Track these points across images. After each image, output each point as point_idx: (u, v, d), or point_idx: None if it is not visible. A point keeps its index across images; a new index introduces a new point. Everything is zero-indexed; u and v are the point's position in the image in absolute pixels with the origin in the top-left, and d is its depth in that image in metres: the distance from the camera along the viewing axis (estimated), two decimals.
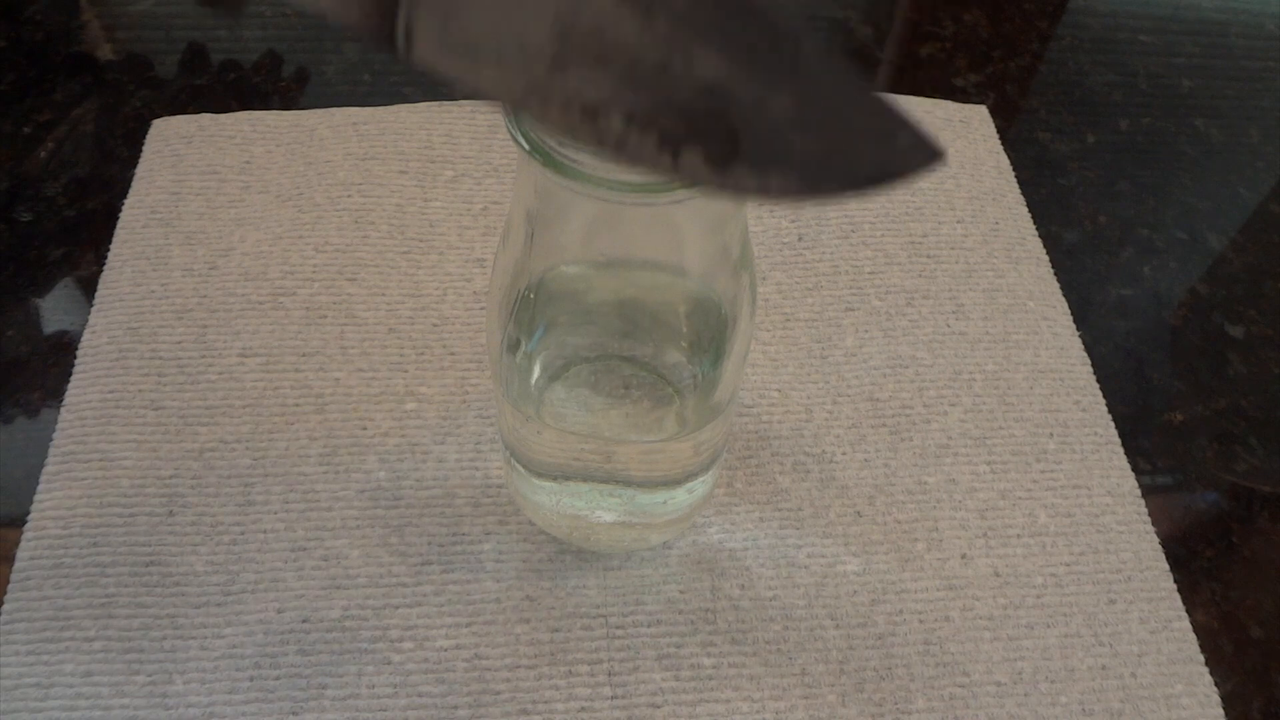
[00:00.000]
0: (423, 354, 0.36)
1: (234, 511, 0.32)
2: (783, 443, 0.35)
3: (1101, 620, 0.31)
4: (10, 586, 0.30)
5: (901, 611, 0.31)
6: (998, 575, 0.32)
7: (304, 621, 0.30)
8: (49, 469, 0.33)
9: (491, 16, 0.14)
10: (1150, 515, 0.34)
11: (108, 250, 0.38)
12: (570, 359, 0.29)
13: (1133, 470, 0.35)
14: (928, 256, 0.40)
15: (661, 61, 0.14)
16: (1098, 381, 0.37)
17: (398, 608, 0.30)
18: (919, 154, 0.14)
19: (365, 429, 0.34)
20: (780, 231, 0.41)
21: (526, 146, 0.20)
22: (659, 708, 0.29)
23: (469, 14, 0.14)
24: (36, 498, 0.32)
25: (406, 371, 0.36)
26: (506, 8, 0.13)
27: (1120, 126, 0.48)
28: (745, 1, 0.13)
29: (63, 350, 0.36)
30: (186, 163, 0.41)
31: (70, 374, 0.35)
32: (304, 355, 0.36)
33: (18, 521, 0.32)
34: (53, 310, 0.38)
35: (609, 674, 0.29)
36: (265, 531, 0.31)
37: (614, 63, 0.14)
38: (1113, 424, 0.36)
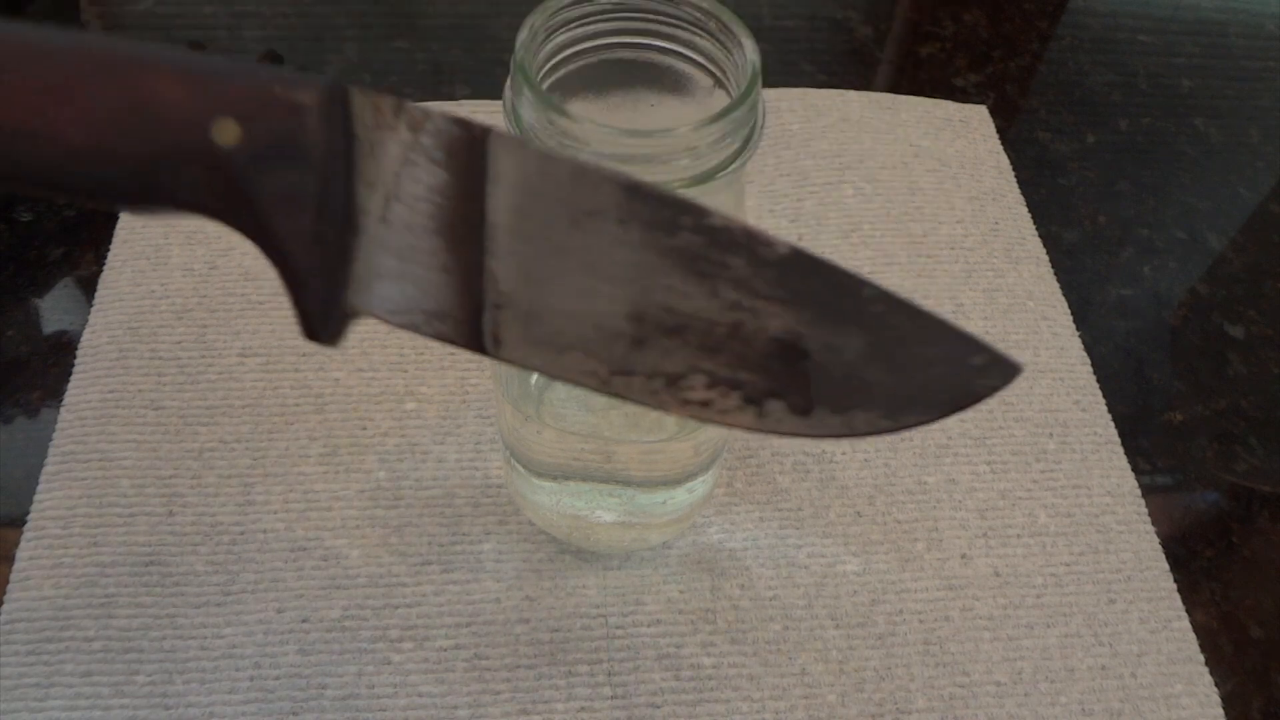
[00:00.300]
0: (422, 354, 0.36)
1: (234, 511, 0.32)
2: (782, 442, 0.35)
3: (1101, 620, 0.31)
4: (10, 586, 0.30)
5: (901, 611, 0.31)
6: (998, 575, 0.32)
7: (304, 621, 0.30)
8: (49, 469, 0.33)
9: (569, 312, 0.15)
10: (1150, 515, 0.34)
11: (108, 250, 0.38)
12: None
13: (1133, 470, 0.35)
14: (928, 256, 0.40)
15: (733, 324, 0.15)
16: (1097, 381, 0.37)
17: (397, 608, 0.30)
18: (997, 372, 0.15)
19: (365, 429, 0.34)
20: (780, 231, 0.41)
21: None
22: (659, 708, 0.29)
23: (548, 312, 0.15)
24: (36, 498, 0.32)
25: (406, 371, 0.36)
26: (582, 302, 0.15)
27: (1120, 126, 0.48)
28: (801, 257, 0.15)
29: (63, 350, 0.36)
30: None
31: (70, 374, 0.35)
32: (304, 355, 0.36)
33: (18, 521, 0.32)
34: (53, 310, 0.38)
35: (609, 674, 0.29)
36: (265, 531, 0.31)
37: (689, 333, 0.15)
38: (1112, 424, 0.36)
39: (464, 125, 0.15)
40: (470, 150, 0.15)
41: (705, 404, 0.15)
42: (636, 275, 0.15)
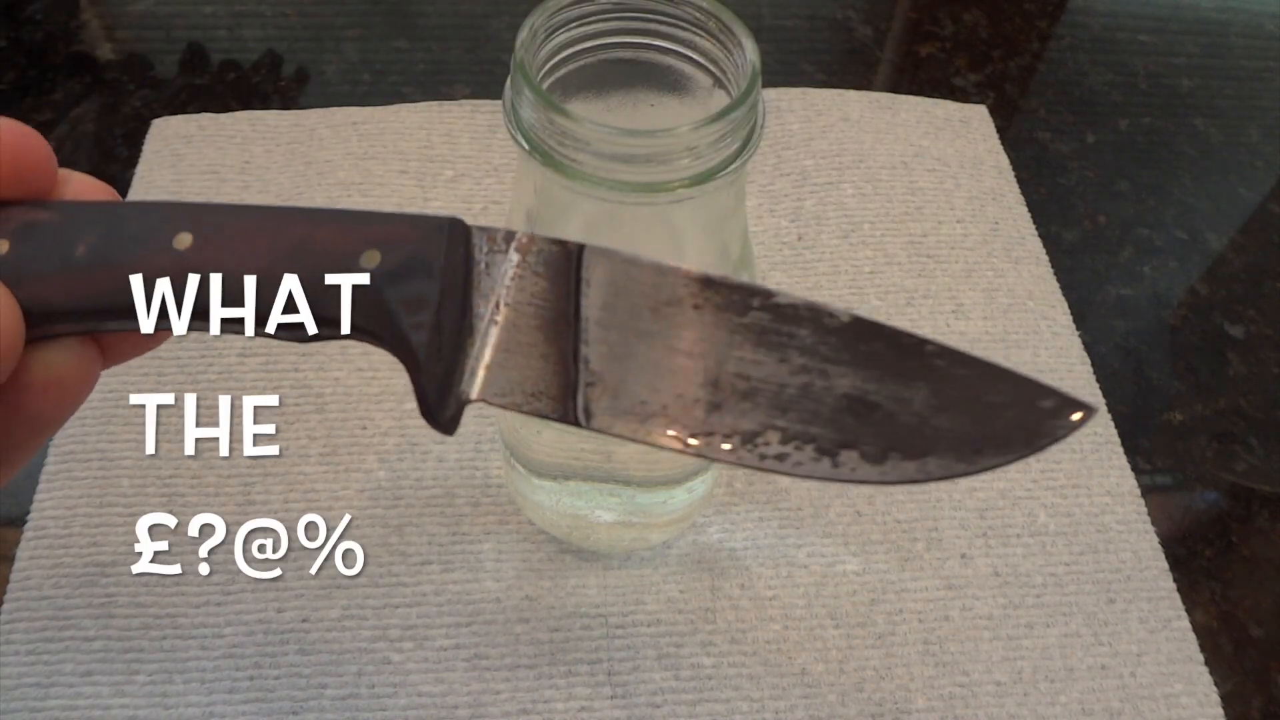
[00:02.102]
0: None
1: (234, 511, 0.32)
2: None
3: (1101, 620, 0.31)
4: (10, 586, 0.30)
5: (901, 611, 0.31)
6: (997, 575, 0.32)
7: (304, 621, 0.30)
8: (49, 469, 0.33)
9: (650, 385, 0.17)
10: (1150, 515, 0.34)
11: None
12: None
13: (1132, 470, 0.35)
14: (928, 256, 0.40)
15: (803, 385, 0.16)
16: (1097, 381, 0.37)
17: (397, 608, 0.30)
18: (1068, 413, 0.15)
19: (365, 429, 0.34)
20: (780, 231, 0.41)
21: (526, 146, 0.20)
22: (659, 707, 0.29)
23: (631, 387, 0.17)
24: (36, 498, 0.32)
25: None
26: (661, 375, 0.17)
27: (1120, 126, 0.48)
28: (863, 323, 0.16)
29: None
30: (186, 162, 0.41)
31: None
32: (304, 355, 0.36)
33: (18, 521, 0.32)
34: None
35: (609, 674, 0.29)
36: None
37: (761, 395, 0.16)
38: (1112, 423, 0.36)
39: (562, 244, 0.17)
40: (567, 263, 0.17)
41: (781, 458, 0.16)
42: (711, 350, 0.17)
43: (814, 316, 0.16)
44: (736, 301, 0.17)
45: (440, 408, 0.17)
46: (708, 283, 0.17)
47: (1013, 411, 0.16)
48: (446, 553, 0.31)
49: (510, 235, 0.18)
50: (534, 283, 0.17)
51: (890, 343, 0.16)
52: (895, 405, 0.16)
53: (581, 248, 0.17)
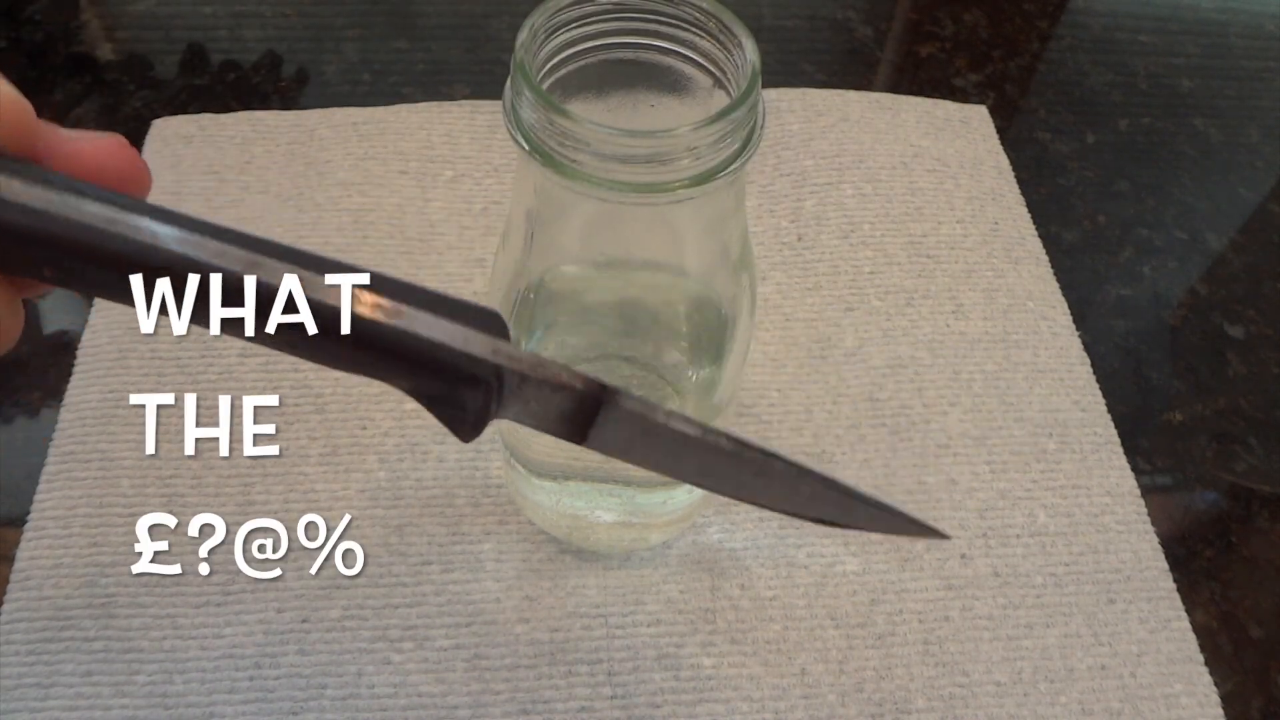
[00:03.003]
0: None
1: (234, 512, 0.32)
2: (782, 443, 0.35)
3: (1101, 620, 0.31)
4: (10, 586, 0.30)
5: (901, 611, 0.31)
6: (997, 575, 0.32)
7: (304, 621, 0.30)
8: (49, 469, 0.33)
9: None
10: (1150, 515, 0.34)
11: None
12: (570, 359, 0.29)
13: (1132, 470, 0.35)
14: (927, 256, 0.40)
15: (765, 485, 0.20)
16: (1097, 381, 0.37)
17: (397, 608, 0.30)
18: (916, 528, 0.21)
19: (365, 429, 0.34)
20: (780, 231, 0.41)
21: (526, 146, 0.20)
22: (659, 708, 0.29)
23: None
24: (36, 498, 0.32)
25: None
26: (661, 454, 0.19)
27: (1120, 126, 0.48)
28: (830, 482, 0.20)
29: (63, 350, 0.36)
30: (186, 163, 0.41)
31: (70, 374, 0.35)
32: None
33: (18, 521, 0.32)
34: (53, 310, 0.38)
35: (609, 674, 0.29)
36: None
37: (725, 483, 0.20)
38: (1112, 424, 0.36)
39: (579, 401, 0.18)
40: (580, 412, 0.18)
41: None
42: (707, 468, 0.19)
43: (798, 472, 0.19)
44: (741, 460, 0.19)
45: (474, 438, 0.19)
46: (717, 452, 0.19)
47: (890, 522, 0.21)
48: (446, 553, 0.31)
49: (524, 379, 0.18)
50: (556, 400, 0.18)
51: (844, 494, 0.20)
52: (818, 511, 0.21)
53: (597, 409, 0.18)
